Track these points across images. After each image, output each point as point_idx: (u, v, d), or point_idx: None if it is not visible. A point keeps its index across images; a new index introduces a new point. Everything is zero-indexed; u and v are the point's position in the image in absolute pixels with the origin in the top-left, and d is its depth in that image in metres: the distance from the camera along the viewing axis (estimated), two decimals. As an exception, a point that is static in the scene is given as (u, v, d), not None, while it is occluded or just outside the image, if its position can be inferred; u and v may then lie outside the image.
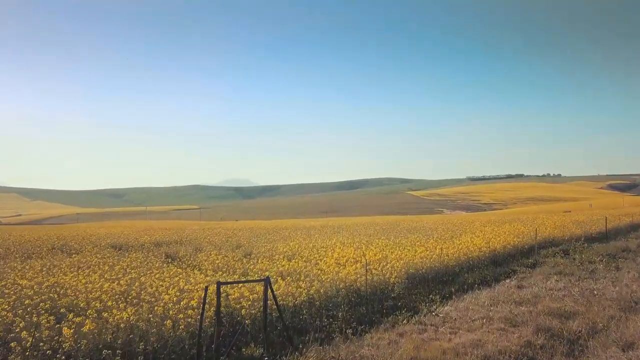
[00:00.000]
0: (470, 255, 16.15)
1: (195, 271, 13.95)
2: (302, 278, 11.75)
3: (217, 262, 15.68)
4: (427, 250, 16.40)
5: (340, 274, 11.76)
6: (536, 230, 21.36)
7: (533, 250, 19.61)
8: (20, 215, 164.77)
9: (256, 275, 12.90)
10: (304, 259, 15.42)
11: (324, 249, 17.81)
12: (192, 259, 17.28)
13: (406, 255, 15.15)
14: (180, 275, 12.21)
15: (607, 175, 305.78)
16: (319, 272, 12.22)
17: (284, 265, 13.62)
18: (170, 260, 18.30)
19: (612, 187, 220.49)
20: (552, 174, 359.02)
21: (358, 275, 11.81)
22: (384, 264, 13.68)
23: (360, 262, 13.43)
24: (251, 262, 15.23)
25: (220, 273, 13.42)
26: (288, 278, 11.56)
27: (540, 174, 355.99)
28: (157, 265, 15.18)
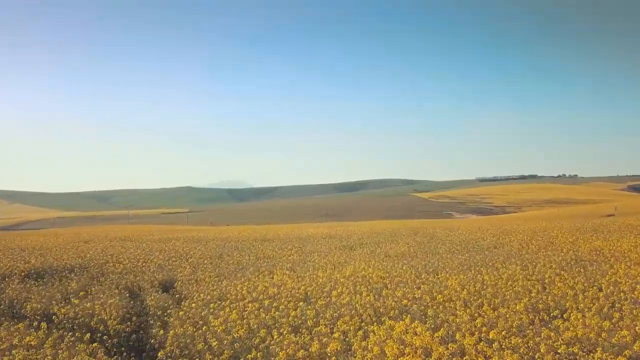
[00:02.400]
0: None
1: None
2: None
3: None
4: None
5: None
6: None
7: None
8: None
9: None
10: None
11: (333, 318, 7.16)
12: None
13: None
14: None
15: (626, 176, 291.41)
16: None
17: None
18: None
19: (633, 189, 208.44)
20: (567, 175, 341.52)
21: None
22: None
23: None
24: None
25: None
26: None
27: (555, 175, 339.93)
28: None
